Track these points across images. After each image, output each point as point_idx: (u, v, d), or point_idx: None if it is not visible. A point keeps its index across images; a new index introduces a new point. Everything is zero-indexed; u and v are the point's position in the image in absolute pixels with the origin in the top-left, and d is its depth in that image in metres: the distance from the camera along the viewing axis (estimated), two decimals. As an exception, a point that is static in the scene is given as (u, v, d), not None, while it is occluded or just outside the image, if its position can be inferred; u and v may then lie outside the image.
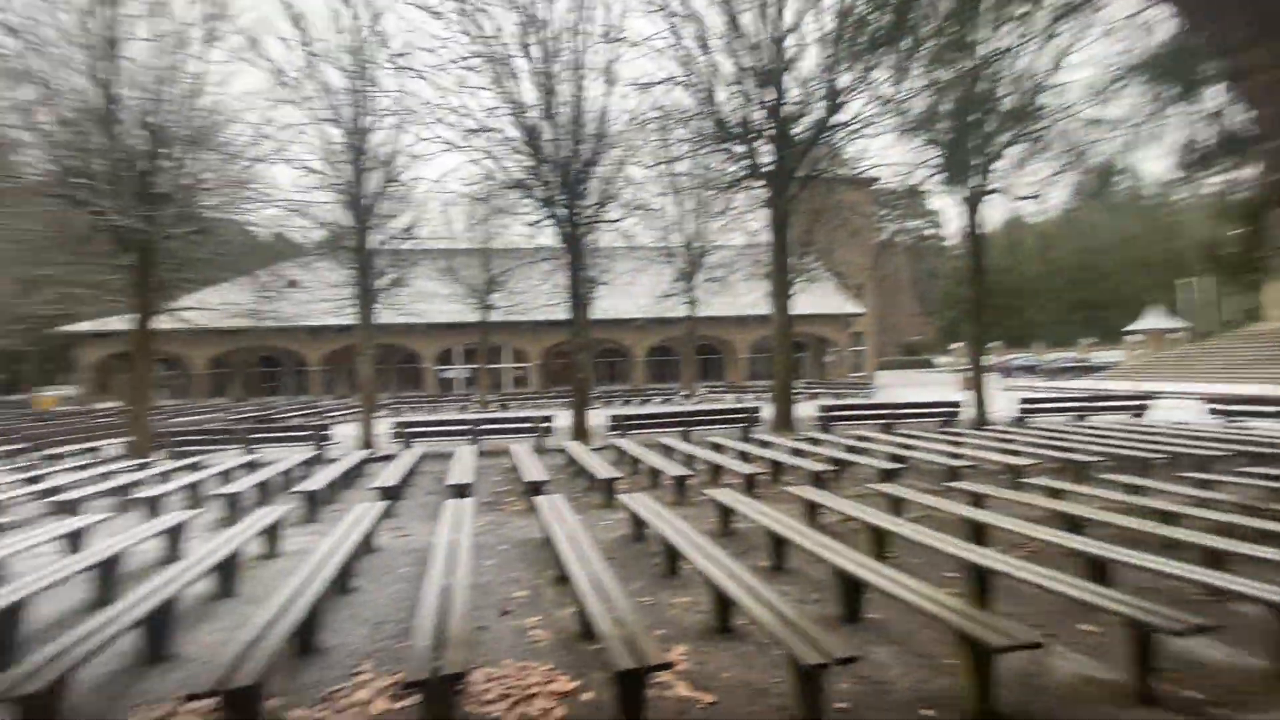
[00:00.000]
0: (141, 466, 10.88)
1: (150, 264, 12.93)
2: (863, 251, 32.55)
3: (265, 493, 9.06)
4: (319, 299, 24.66)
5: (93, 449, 13.65)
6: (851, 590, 4.35)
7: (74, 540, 6.15)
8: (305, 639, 4.04)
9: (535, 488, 7.82)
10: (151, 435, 12.86)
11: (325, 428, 12.83)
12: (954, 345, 49.06)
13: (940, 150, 13.52)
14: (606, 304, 26.55)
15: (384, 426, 15.83)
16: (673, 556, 5.32)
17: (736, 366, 34.93)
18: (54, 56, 11.93)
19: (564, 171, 12.84)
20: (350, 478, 10.00)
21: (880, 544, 5.46)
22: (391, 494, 8.02)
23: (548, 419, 13.76)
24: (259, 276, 26.68)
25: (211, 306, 22.13)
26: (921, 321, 66.83)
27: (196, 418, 19.90)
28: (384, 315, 17.16)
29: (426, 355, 32.84)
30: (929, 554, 5.22)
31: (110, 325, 27.94)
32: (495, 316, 26.88)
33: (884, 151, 21.24)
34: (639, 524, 6.47)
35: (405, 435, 13.06)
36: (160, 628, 3.99)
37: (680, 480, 8.03)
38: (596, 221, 13.89)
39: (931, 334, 65.18)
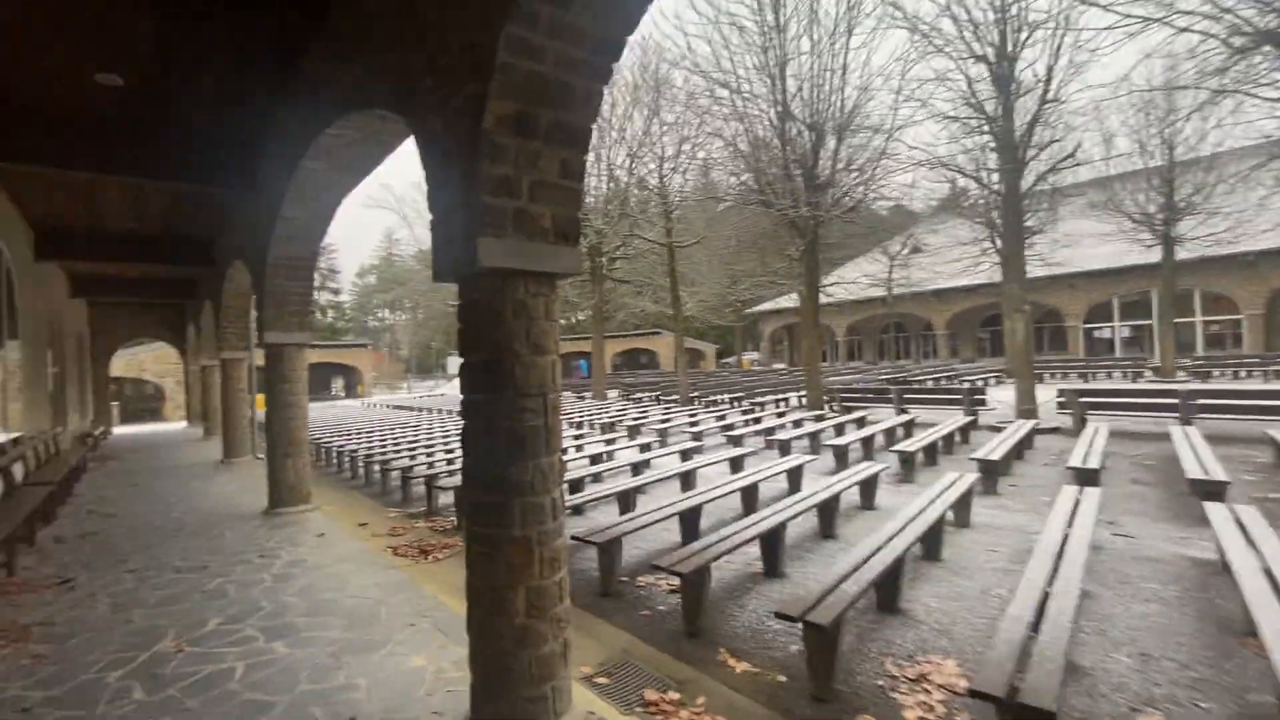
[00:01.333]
0: (819, 418, 12.79)
1: (814, 247, 15.07)
2: None
3: (931, 455, 8.96)
4: (947, 261, 24.10)
5: (782, 399, 17.20)
6: None
7: (793, 476, 7.41)
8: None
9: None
10: (823, 391, 15.10)
11: (979, 392, 11.97)
12: None
13: None
14: None
15: (1040, 394, 13.75)
16: None
17: None
18: (746, 93, 15.27)
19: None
20: (1020, 449, 8.84)
21: None
22: (1088, 478, 6.45)
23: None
24: (888, 247, 28.38)
25: (853, 280, 24.82)
26: None
27: (845, 377, 22.67)
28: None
29: (1070, 311, 27.59)
30: None
31: (780, 304, 35.64)
32: (1181, 254, 19.81)
33: None
34: None
35: (1077, 405, 10.79)
36: (891, 584, 3.99)
37: None
38: None
39: None
